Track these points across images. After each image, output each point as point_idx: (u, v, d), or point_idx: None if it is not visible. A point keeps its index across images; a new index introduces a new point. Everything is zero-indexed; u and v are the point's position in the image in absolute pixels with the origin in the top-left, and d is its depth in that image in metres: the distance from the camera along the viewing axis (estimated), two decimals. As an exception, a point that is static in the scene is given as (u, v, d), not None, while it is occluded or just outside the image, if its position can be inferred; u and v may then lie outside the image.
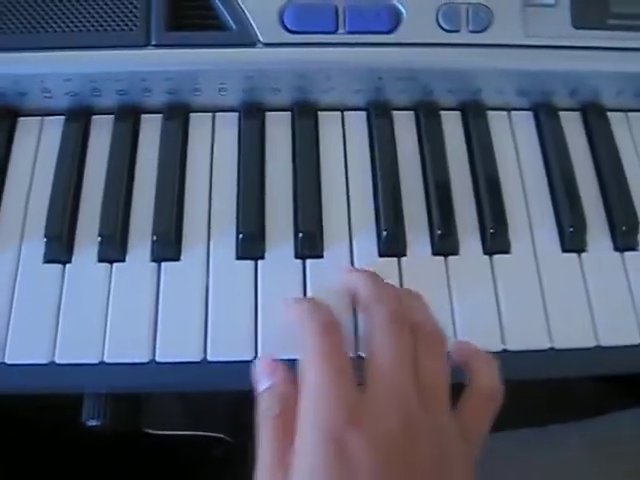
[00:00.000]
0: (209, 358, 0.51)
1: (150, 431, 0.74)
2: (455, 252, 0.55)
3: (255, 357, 0.51)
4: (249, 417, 0.79)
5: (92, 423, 0.59)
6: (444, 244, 0.55)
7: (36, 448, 0.76)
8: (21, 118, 0.61)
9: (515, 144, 0.61)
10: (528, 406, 0.69)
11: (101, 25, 0.58)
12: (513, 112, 0.63)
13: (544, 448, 0.66)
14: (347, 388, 0.42)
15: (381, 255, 0.55)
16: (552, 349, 0.52)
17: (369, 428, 0.41)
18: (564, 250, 0.56)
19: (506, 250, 0.56)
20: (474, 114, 0.62)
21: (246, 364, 0.48)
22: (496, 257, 0.56)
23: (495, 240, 0.56)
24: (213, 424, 0.78)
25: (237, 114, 0.61)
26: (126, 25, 0.58)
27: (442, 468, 0.41)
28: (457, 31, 0.59)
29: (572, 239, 0.56)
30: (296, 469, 0.41)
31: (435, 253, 0.55)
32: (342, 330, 0.45)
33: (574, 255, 0.56)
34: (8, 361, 0.51)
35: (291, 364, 0.46)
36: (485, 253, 0.56)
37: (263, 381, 0.47)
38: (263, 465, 0.43)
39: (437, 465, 0.41)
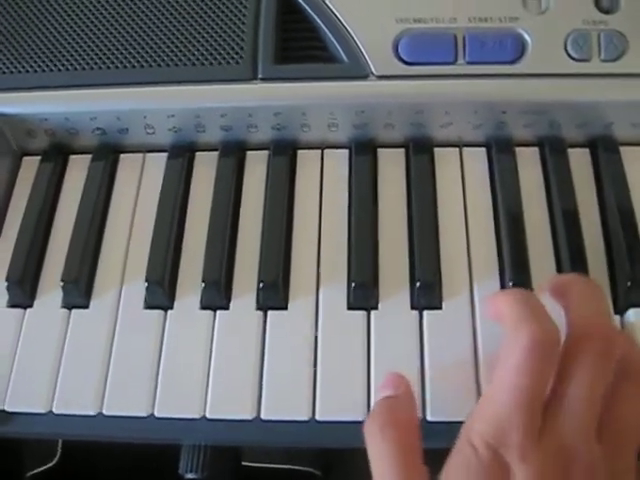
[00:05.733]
0: (318, 418, 0.47)
1: (246, 463, 0.71)
2: (586, 303, 0.50)
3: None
4: (338, 453, 0.76)
5: (190, 476, 0.56)
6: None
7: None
8: (122, 155, 0.59)
9: (652, 183, 0.56)
10: None
11: (206, 59, 0.56)
12: (649, 147, 0.57)
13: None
14: (534, 414, 0.38)
15: (506, 306, 0.50)
16: None
17: (533, 467, 0.37)
18: None
19: (643, 304, 0.50)
20: (605, 150, 0.56)
21: (357, 424, 0.45)
22: (631, 311, 0.50)
23: (632, 292, 0.50)
24: (303, 458, 0.75)
25: (347, 151, 0.57)
26: (232, 58, 0.56)
27: None
28: (587, 60, 0.54)
29: None
30: None
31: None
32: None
33: None
34: (106, 412, 0.49)
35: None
36: (618, 307, 0.50)
37: (384, 392, 0.45)
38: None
39: None
